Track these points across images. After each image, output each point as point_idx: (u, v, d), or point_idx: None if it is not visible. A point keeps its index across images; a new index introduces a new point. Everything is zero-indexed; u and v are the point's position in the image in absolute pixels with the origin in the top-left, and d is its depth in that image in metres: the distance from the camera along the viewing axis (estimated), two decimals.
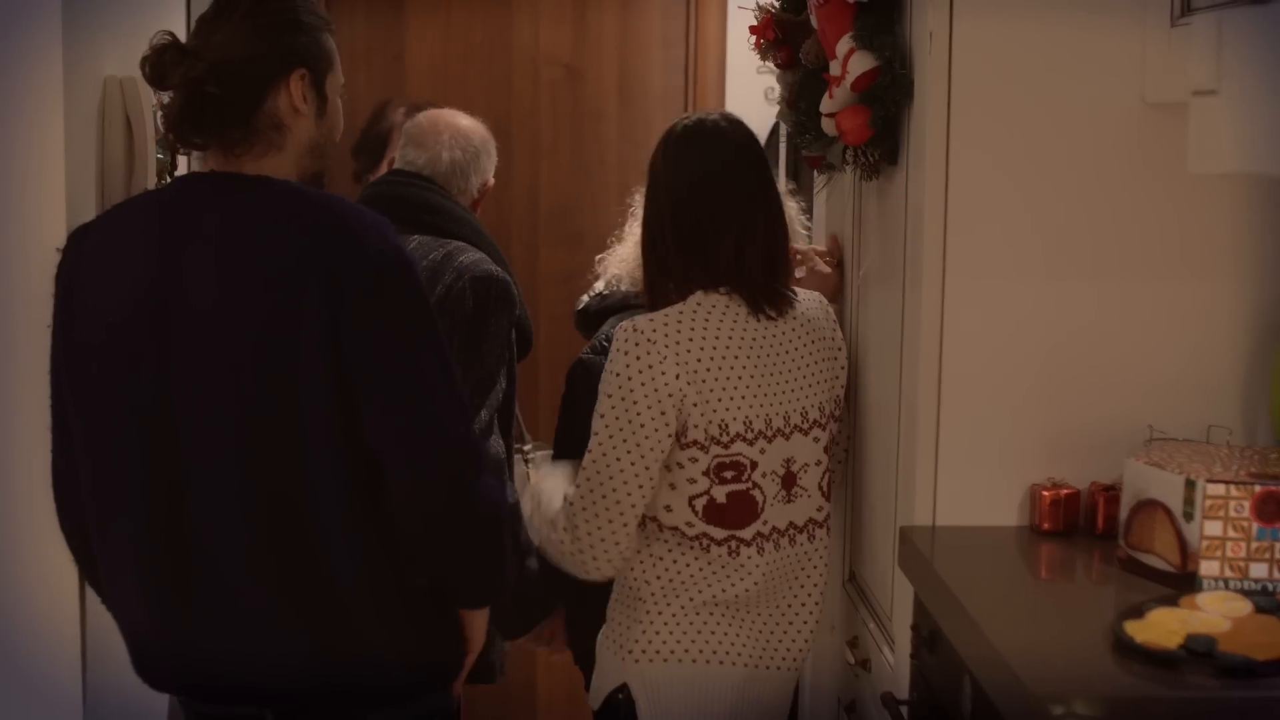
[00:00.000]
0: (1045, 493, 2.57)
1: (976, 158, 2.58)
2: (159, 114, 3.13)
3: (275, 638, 2.41)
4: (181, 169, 3.42)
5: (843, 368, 2.94)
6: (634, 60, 5.16)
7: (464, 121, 3.65)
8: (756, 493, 2.78)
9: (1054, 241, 2.60)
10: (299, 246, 2.35)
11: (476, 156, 3.62)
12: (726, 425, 2.73)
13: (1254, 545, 2.24)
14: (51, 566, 2.72)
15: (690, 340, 2.71)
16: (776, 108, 3.36)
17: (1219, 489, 2.24)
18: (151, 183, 3.07)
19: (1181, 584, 2.26)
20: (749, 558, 2.79)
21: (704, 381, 2.70)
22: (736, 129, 2.86)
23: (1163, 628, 2.04)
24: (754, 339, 2.76)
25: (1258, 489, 2.23)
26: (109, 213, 2.56)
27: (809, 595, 2.91)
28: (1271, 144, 2.04)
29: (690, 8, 5.12)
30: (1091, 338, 2.62)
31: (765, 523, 2.80)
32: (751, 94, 4.77)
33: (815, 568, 2.91)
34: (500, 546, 2.49)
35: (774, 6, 3.16)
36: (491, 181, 3.68)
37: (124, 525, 2.44)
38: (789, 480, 2.80)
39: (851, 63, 2.72)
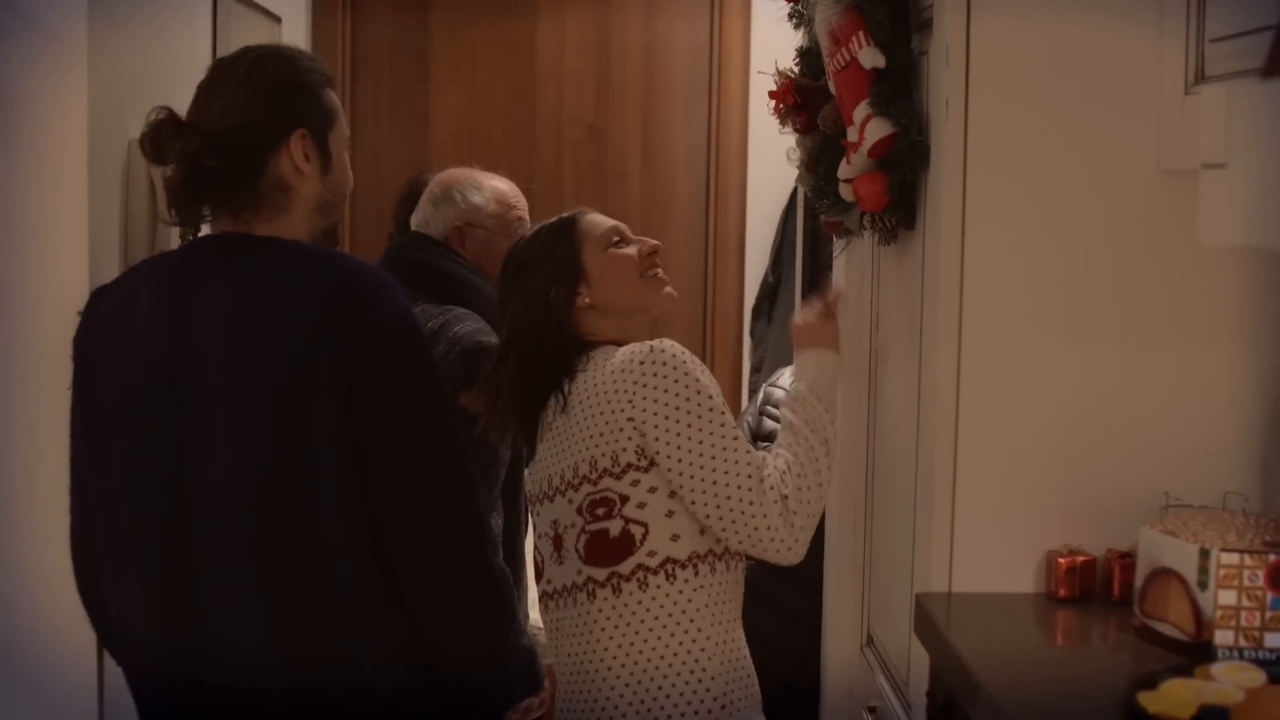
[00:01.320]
0: (1061, 559, 2.57)
1: (993, 223, 2.59)
2: None
3: (283, 702, 2.40)
4: (205, 230, 3.45)
5: (620, 427, 2.68)
6: (656, 120, 5.19)
7: (453, 173, 3.65)
8: (537, 554, 2.86)
9: (1070, 306, 2.61)
10: (311, 308, 2.36)
11: (439, 201, 3.61)
12: (529, 488, 2.89)
13: (1268, 615, 2.23)
14: (68, 579, 2.72)
15: None
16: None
17: (1233, 558, 2.23)
18: (175, 243, 3.09)
19: (1196, 653, 2.25)
20: (544, 615, 2.85)
21: None
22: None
23: (1176, 699, 2.03)
24: None
25: (1272, 558, 2.22)
26: (123, 276, 2.58)
27: (602, 662, 2.72)
28: (1271, 217, 2.05)
29: (713, 68, 5.14)
30: (1108, 403, 2.62)
31: (549, 582, 2.81)
32: (774, 154, 4.75)
33: (604, 631, 2.72)
34: (501, 621, 2.50)
35: (793, 71, 3.18)
36: (467, 224, 3.60)
37: (136, 584, 2.45)
38: (558, 542, 2.78)
39: (869, 129, 2.73)
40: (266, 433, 2.34)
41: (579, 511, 2.72)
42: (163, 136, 2.44)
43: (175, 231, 3.07)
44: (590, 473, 2.70)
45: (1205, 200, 2.32)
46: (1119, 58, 2.56)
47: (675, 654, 2.66)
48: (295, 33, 4.79)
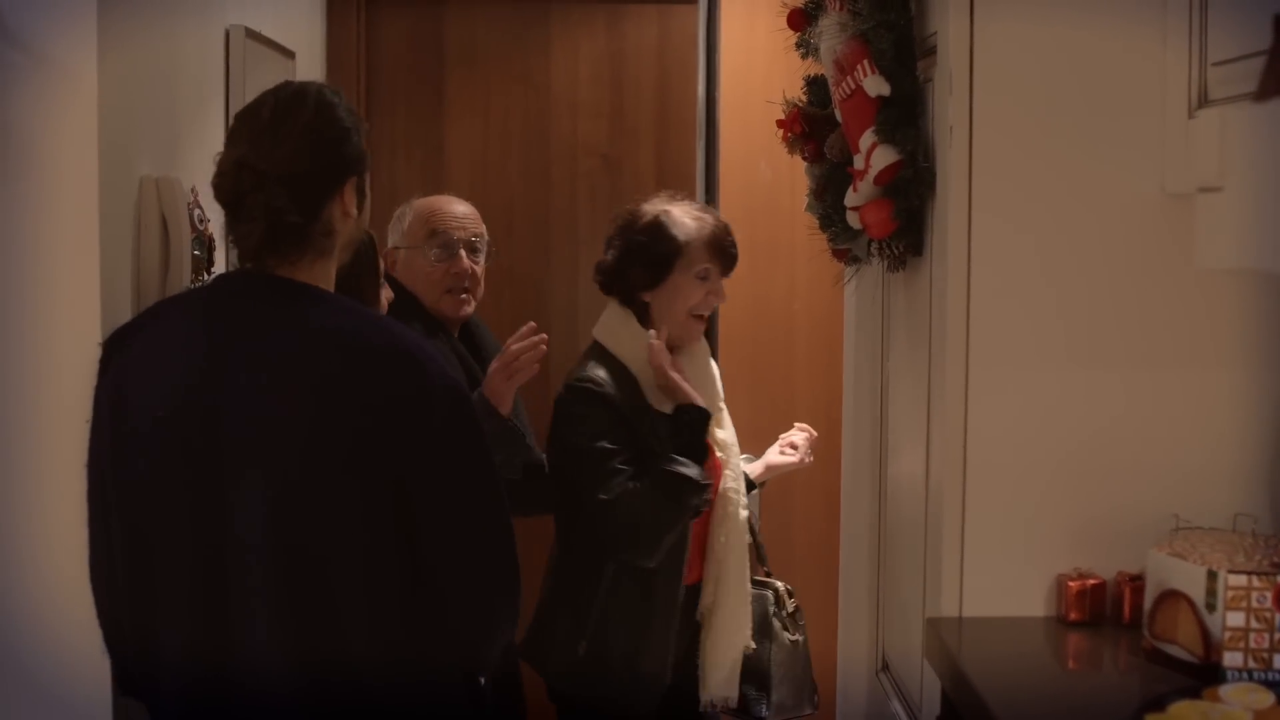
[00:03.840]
0: (1071, 583, 2.57)
1: (999, 249, 2.60)
2: (195, 213, 3.18)
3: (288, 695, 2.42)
4: (218, 265, 3.46)
5: None
6: (671, 149, 5.20)
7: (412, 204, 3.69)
8: None
9: (1078, 331, 2.61)
10: (346, 364, 2.39)
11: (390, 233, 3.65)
12: None
13: (1277, 636, 2.23)
14: (80, 585, 2.73)
15: None
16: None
17: (1241, 580, 2.23)
18: (187, 280, 3.11)
19: (1205, 675, 2.25)
20: None
21: None
22: None
23: None
24: None
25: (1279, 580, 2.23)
26: (153, 311, 2.59)
27: None
28: (1273, 242, 2.05)
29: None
30: (1117, 427, 2.62)
31: None
32: None
33: None
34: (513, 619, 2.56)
35: (801, 101, 3.19)
36: (393, 248, 3.61)
37: (164, 622, 2.46)
38: None
39: (875, 157, 2.74)
40: (292, 475, 2.36)
41: None
42: (243, 186, 2.45)
43: (189, 269, 3.11)
44: None
45: (1203, 223, 2.32)
46: (1122, 82, 2.57)
47: None
48: (310, 68, 4.81)
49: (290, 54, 4.28)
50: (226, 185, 2.46)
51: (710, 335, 4.15)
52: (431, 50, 5.16)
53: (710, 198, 4.70)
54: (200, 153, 3.45)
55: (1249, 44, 2.23)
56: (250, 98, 3.54)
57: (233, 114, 3.62)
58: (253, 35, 3.77)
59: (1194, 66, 2.45)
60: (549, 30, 5.16)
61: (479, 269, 3.58)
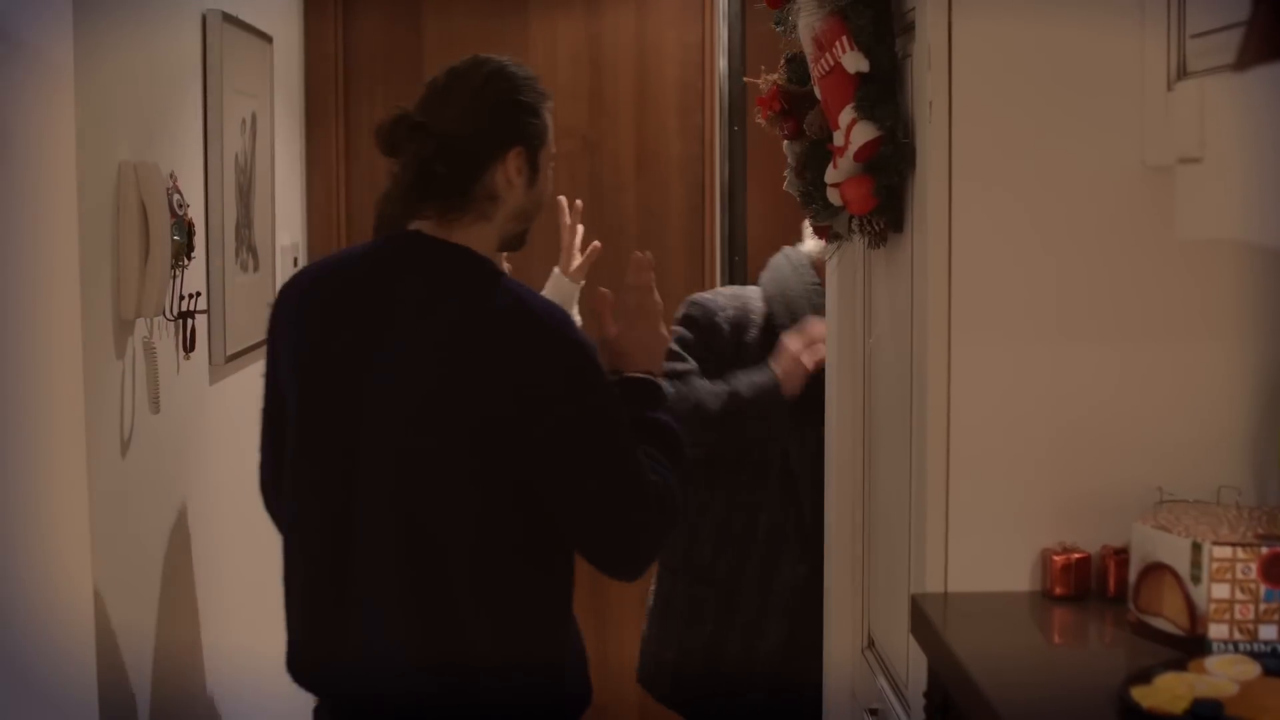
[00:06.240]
0: (1056, 557, 2.57)
1: (979, 223, 2.60)
2: (174, 198, 3.17)
3: (404, 669, 2.64)
4: (199, 251, 3.46)
5: None
6: (650, 130, 5.20)
7: None
8: None
9: (1061, 304, 2.61)
10: (490, 328, 2.60)
11: None
12: None
13: (1262, 607, 2.24)
14: (66, 578, 2.73)
15: None
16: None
17: (1225, 551, 2.24)
18: (167, 266, 3.10)
19: (1191, 647, 2.25)
20: None
21: None
22: None
23: (1169, 693, 2.03)
24: None
25: (1264, 550, 2.23)
26: (326, 260, 2.92)
27: None
28: (1254, 211, 2.05)
29: (705, 77, 5.15)
30: (1100, 400, 2.62)
31: None
32: None
33: None
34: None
35: (781, 78, 3.19)
36: None
37: (297, 540, 2.76)
38: None
39: (854, 133, 2.74)
40: (423, 421, 2.60)
41: None
42: (399, 136, 2.69)
43: (168, 254, 3.10)
44: None
45: (1183, 195, 2.32)
46: (1101, 55, 2.56)
47: None
48: (289, 53, 4.80)
49: (268, 39, 4.27)
50: (384, 135, 2.72)
51: None
52: (410, 33, 5.16)
53: (735, 174, 4.71)
54: (178, 138, 3.45)
55: (1227, 16, 2.23)
56: (227, 82, 3.55)
57: (210, 98, 3.64)
58: (230, 20, 3.76)
59: (1172, 39, 2.45)
60: (527, 13, 5.16)
61: None
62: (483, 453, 2.59)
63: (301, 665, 2.79)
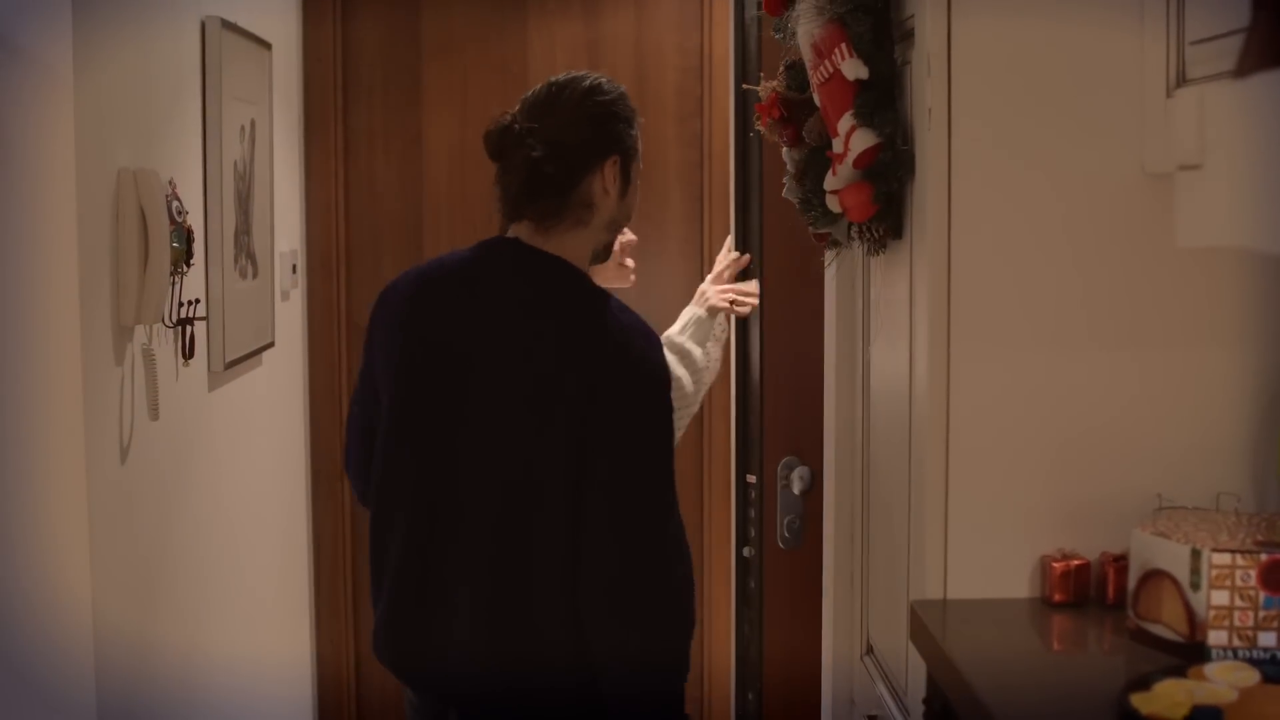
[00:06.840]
0: (1055, 564, 2.57)
1: (979, 230, 2.60)
2: (173, 205, 3.17)
3: (476, 656, 2.77)
4: (198, 257, 3.46)
5: None
6: (649, 136, 5.19)
7: None
8: None
9: (1059, 311, 2.61)
10: (581, 339, 2.73)
11: None
12: None
13: (1261, 614, 2.23)
14: (65, 584, 2.73)
15: None
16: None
17: (1224, 558, 2.24)
18: (166, 273, 3.10)
19: (1190, 654, 2.25)
20: None
21: None
22: None
23: (1169, 699, 2.03)
24: None
25: (1263, 557, 2.23)
26: (429, 264, 2.99)
27: None
28: (1253, 218, 2.05)
29: (704, 84, 5.15)
30: (1099, 407, 2.62)
31: None
32: None
33: None
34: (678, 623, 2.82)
35: (780, 85, 3.19)
36: None
37: (394, 530, 2.85)
38: None
39: (853, 140, 2.74)
40: (519, 425, 2.72)
41: None
42: (508, 139, 2.83)
43: (167, 261, 3.10)
44: None
45: (1183, 202, 2.32)
46: (1101, 62, 2.56)
47: None
48: (287, 59, 4.80)
49: (267, 45, 4.27)
50: (493, 139, 2.85)
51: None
52: (408, 39, 5.15)
53: (745, 178, 4.70)
54: (178, 144, 3.45)
55: (1227, 22, 2.23)
56: (226, 89, 3.55)
57: (209, 105, 3.65)
58: (229, 26, 3.76)
59: (1172, 46, 2.45)
60: (526, 18, 5.15)
61: None
62: (575, 458, 2.69)
63: (385, 646, 2.90)
